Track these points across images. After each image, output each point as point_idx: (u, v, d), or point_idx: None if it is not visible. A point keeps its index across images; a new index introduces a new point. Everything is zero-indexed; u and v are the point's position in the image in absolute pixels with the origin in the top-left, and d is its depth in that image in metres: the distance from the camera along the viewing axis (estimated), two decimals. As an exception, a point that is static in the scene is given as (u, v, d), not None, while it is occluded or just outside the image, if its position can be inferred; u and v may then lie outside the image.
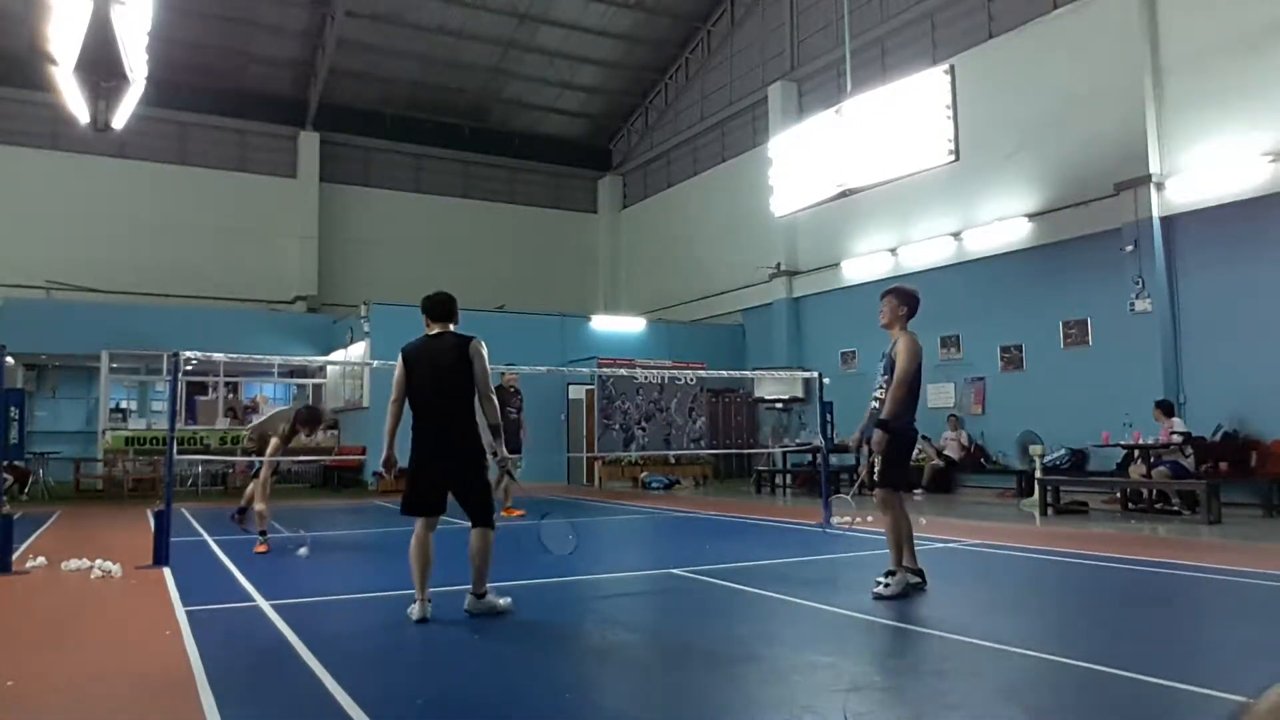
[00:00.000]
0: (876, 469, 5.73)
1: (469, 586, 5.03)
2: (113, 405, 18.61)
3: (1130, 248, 12.56)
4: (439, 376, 5.13)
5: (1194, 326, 12.26)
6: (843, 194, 12.53)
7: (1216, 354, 11.94)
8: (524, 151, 24.96)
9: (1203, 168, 12.09)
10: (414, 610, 4.85)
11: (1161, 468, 10.61)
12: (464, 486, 5.05)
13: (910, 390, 5.62)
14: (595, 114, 25.12)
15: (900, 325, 5.88)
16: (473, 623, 4.99)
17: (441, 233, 23.56)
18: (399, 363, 5.26)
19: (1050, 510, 10.91)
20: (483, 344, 5.25)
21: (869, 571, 6.97)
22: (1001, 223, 14.55)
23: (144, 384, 20.73)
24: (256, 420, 18.51)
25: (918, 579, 5.58)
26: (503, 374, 11.27)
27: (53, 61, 9.39)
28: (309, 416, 8.53)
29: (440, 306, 5.36)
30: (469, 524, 5.07)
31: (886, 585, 5.35)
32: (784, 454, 16.40)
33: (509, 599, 5.13)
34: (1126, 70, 12.90)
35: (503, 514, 10.72)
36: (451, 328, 5.35)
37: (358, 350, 17.80)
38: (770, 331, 19.54)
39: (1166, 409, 11.04)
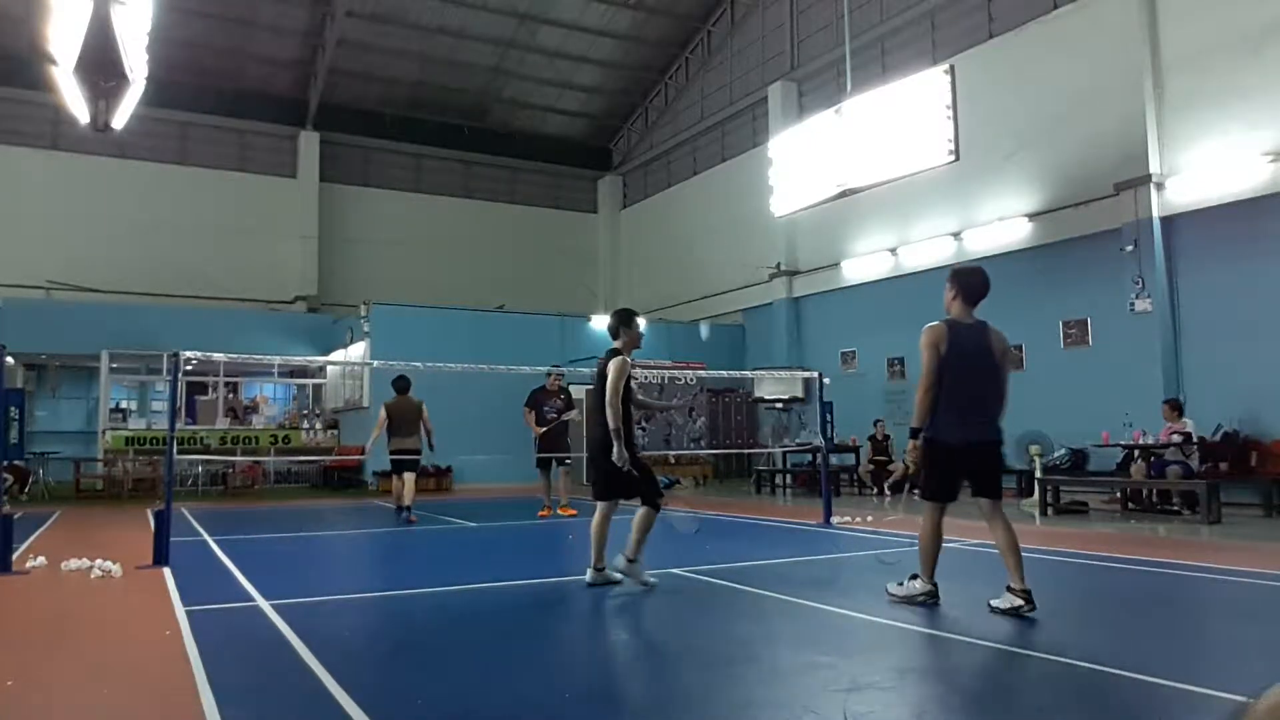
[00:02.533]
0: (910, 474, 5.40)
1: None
2: (113, 405, 18.60)
3: (1130, 248, 12.56)
4: (596, 385, 5.94)
5: (1194, 326, 12.26)
6: (843, 194, 12.52)
7: (1216, 354, 11.93)
8: (524, 151, 24.95)
9: (1203, 168, 12.09)
10: (588, 574, 5.85)
11: (1175, 467, 10.55)
12: (618, 476, 5.81)
13: (932, 391, 4.99)
14: (595, 114, 25.12)
15: (956, 312, 5.20)
16: (472, 623, 5.00)
17: (441, 233, 23.55)
18: None
19: (1050, 510, 10.91)
20: (620, 360, 5.84)
21: (869, 572, 6.97)
22: (1001, 223, 14.55)
23: (144, 384, 20.72)
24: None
25: (933, 592, 5.16)
26: (548, 373, 11.54)
27: (53, 61, 9.38)
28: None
29: (610, 327, 6.12)
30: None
31: (900, 584, 5.22)
32: (784, 454, 16.41)
33: (654, 579, 5.82)
34: (1126, 70, 12.90)
35: (560, 511, 11.23)
36: (616, 342, 6.02)
37: (358, 350, 17.80)
38: (770, 331, 19.55)
39: (1179, 408, 10.98)
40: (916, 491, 5.28)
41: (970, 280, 5.24)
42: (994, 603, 4.90)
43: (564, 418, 11.36)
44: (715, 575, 6.35)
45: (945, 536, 5.22)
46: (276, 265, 21.54)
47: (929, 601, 5.06)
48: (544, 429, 11.26)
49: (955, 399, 4.96)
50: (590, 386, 6.09)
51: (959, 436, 4.96)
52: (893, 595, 5.16)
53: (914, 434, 5.08)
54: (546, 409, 11.33)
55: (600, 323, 20.20)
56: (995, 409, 5.05)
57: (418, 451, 11.12)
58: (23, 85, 18.30)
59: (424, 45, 21.47)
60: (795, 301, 19.16)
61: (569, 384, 12.02)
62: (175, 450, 7.55)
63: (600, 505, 5.95)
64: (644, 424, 17.87)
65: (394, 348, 15.15)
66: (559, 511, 11.23)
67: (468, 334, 17.52)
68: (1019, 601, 4.75)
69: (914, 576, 5.17)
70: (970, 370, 5.00)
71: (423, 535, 9.79)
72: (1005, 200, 14.64)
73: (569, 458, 11.41)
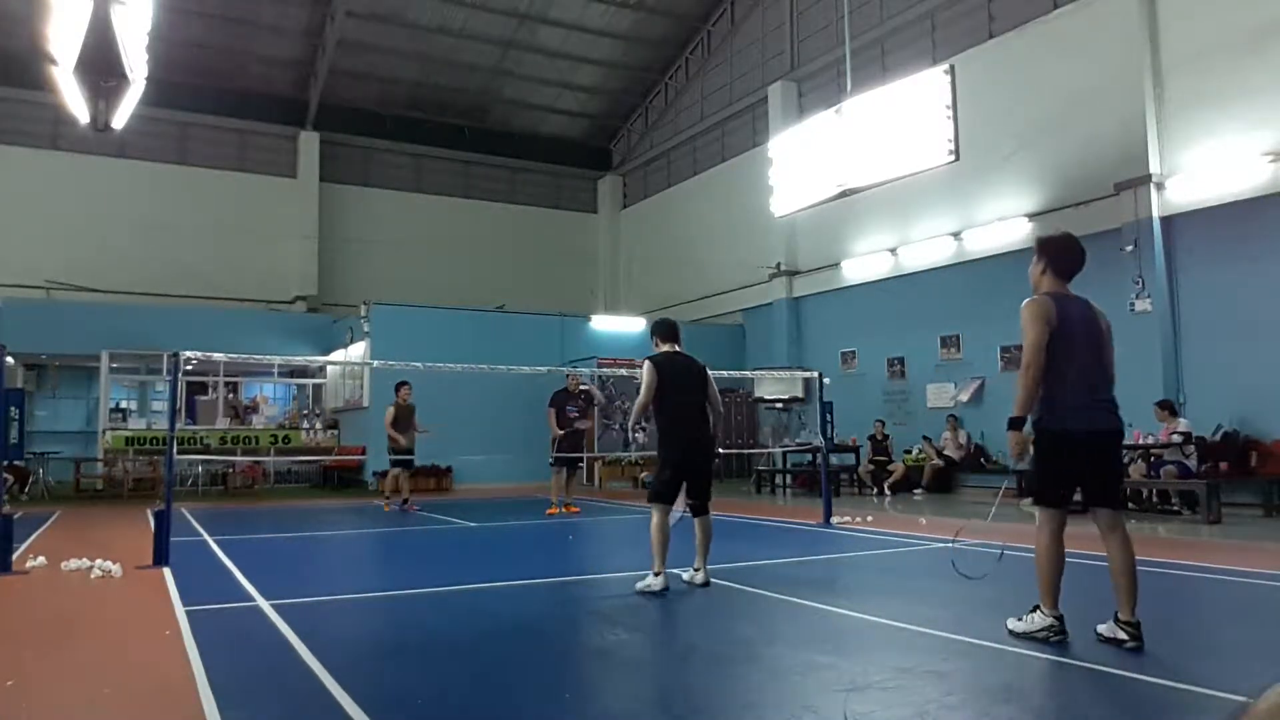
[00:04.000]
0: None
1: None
2: (113, 405, 18.61)
3: (1130, 248, 12.56)
4: (693, 386, 6.00)
5: (1194, 326, 12.25)
6: (843, 194, 12.51)
7: (1216, 354, 11.93)
8: (524, 151, 24.95)
9: (1203, 168, 12.09)
10: (655, 583, 5.66)
11: (1170, 467, 10.57)
12: (704, 478, 5.99)
13: (1038, 374, 4.23)
14: (595, 114, 25.12)
15: (1047, 288, 4.44)
16: (472, 623, 5.00)
17: (441, 233, 23.55)
18: (651, 370, 5.95)
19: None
20: None
21: (869, 572, 6.98)
22: (1001, 223, 14.54)
23: (144, 384, 20.73)
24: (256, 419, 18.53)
25: (1058, 627, 4.23)
26: (568, 374, 11.86)
27: (53, 61, 9.39)
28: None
29: (676, 330, 6.27)
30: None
31: (1019, 619, 4.34)
32: (784, 454, 16.41)
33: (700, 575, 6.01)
34: (1126, 70, 12.90)
35: (565, 510, 11.44)
36: (667, 346, 6.17)
37: (358, 350, 17.80)
38: (770, 331, 19.54)
39: (1171, 409, 11.00)
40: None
41: (1062, 249, 4.45)
42: (1100, 629, 4.27)
43: (583, 422, 11.76)
44: (716, 575, 6.34)
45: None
46: (276, 265, 21.53)
47: (1053, 638, 4.18)
48: (565, 430, 11.53)
49: (1073, 379, 4.25)
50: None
51: (1084, 423, 4.24)
52: (1012, 631, 4.32)
53: (1014, 424, 4.30)
54: (569, 409, 11.57)
55: (601, 323, 20.25)
56: (1111, 389, 4.42)
57: (412, 451, 12.37)
58: (23, 85, 18.29)
59: (424, 45, 21.47)
60: (795, 301, 19.16)
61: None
62: (175, 450, 7.55)
63: (662, 507, 5.87)
64: (644, 424, 17.86)
65: (394, 348, 15.14)
66: (564, 510, 11.31)
67: (468, 334, 17.53)
68: (1124, 635, 4.13)
69: (1035, 609, 4.29)
70: (1086, 346, 4.32)
71: (423, 535, 9.80)
72: (1005, 200, 14.64)
73: (583, 459, 11.59)
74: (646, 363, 6.01)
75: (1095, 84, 13.34)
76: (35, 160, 19.77)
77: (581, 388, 11.98)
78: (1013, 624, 4.36)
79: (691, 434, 5.94)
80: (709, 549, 5.99)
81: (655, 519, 5.83)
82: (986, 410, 14.87)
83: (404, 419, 12.10)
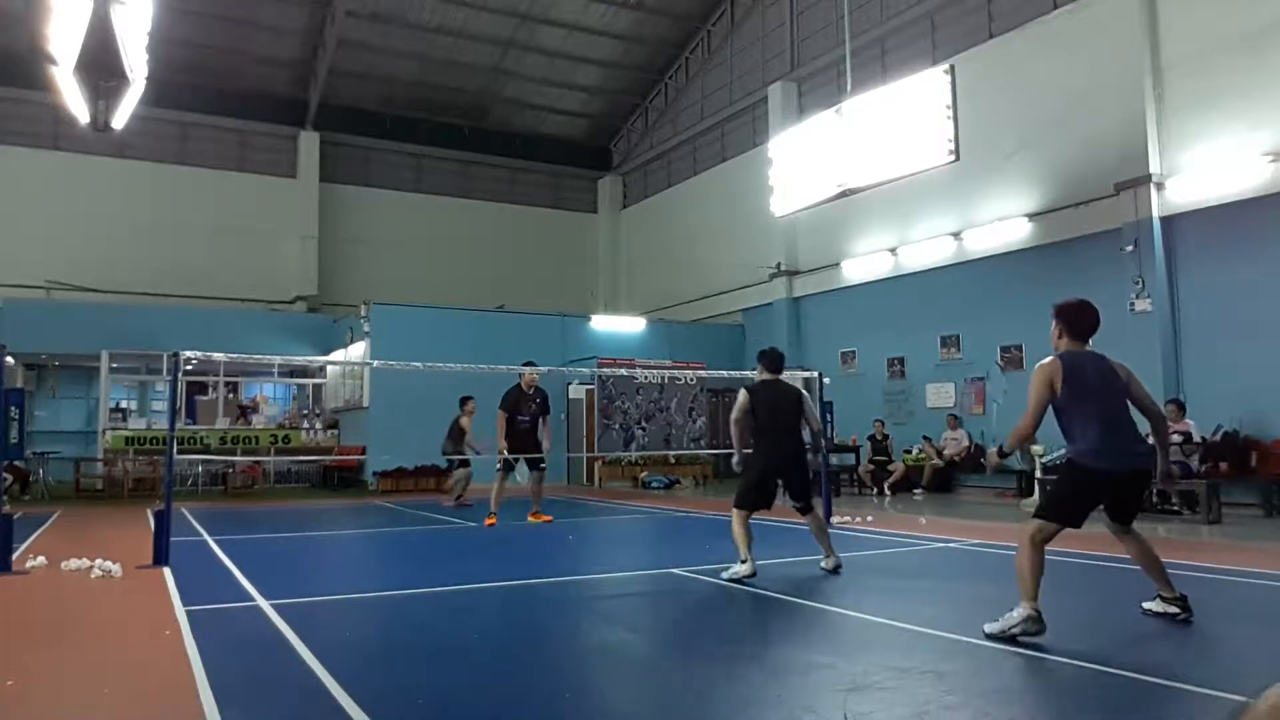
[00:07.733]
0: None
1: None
2: (113, 405, 18.60)
3: (1130, 248, 12.56)
4: (786, 410, 6.73)
5: (1194, 326, 12.26)
6: (843, 194, 12.51)
7: (1216, 354, 11.94)
8: (524, 151, 24.95)
9: (1203, 168, 12.09)
10: (742, 569, 6.14)
11: (1173, 467, 10.56)
12: (799, 484, 6.76)
13: (1033, 428, 4.64)
14: (595, 114, 25.12)
15: (1062, 349, 4.81)
16: (472, 623, 5.00)
17: (441, 233, 23.56)
18: (746, 396, 6.81)
19: (1050, 510, 10.88)
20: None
21: (869, 571, 6.98)
22: (1001, 223, 14.54)
23: (144, 384, 20.73)
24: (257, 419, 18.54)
25: (1037, 617, 4.34)
26: (521, 373, 10.58)
27: (53, 61, 9.39)
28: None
29: (780, 361, 6.98)
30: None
31: (995, 620, 4.43)
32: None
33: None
34: (1126, 70, 12.90)
35: (530, 518, 10.31)
36: (769, 375, 6.87)
37: (358, 350, 17.80)
38: (770, 331, 19.53)
39: (1181, 408, 10.98)
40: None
41: (1075, 314, 4.80)
42: (1146, 605, 4.87)
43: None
44: (715, 575, 6.35)
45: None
46: (276, 265, 21.53)
47: (1034, 629, 4.29)
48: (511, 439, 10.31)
49: (1098, 426, 4.55)
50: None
51: (1113, 464, 4.53)
52: (990, 635, 4.37)
53: (1001, 454, 4.86)
54: (521, 418, 10.32)
55: (601, 322, 20.25)
56: (1137, 432, 4.69)
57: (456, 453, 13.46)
58: (23, 85, 18.30)
59: (424, 45, 21.47)
60: (795, 301, 19.16)
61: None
62: (175, 450, 7.55)
63: (741, 512, 6.51)
64: (644, 423, 17.88)
65: (394, 348, 15.14)
66: (529, 519, 10.24)
67: (468, 334, 17.52)
68: (1175, 609, 4.72)
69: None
70: (1106, 396, 4.63)
71: (423, 535, 9.80)
72: (1005, 200, 14.63)
73: (544, 460, 10.59)
74: (742, 390, 6.88)
75: (1095, 84, 13.34)
76: (35, 160, 19.77)
77: (536, 386, 10.61)
78: (989, 627, 4.42)
79: (778, 450, 6.67)
80: (827, 536, 6.73)
81: (734, 522, 6.44)
82: (988, 409, 14.88)
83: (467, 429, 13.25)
